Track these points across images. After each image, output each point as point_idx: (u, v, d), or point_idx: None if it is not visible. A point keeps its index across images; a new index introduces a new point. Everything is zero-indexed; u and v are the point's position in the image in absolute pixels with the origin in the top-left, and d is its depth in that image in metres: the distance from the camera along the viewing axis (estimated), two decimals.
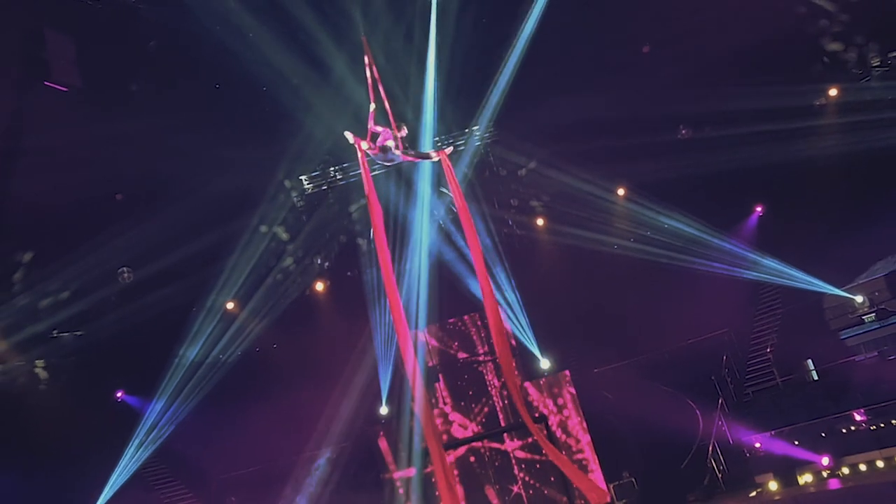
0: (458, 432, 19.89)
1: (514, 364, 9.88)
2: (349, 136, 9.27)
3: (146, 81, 16.50)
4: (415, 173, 20.40)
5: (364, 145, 9.27)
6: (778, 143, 19.18)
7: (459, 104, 19.40)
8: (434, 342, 20.77)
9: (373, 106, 9.51)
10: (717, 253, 20.72)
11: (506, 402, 19.87)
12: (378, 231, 9.71)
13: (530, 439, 19.09)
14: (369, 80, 9.77)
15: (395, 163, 9.74)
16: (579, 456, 19.43)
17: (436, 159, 9.96)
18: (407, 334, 9.79)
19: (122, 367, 20.83)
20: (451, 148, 9.98)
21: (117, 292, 19.54)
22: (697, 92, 18.47)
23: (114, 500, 18.81)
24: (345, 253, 22.84)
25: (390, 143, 9.20)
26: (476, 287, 19.94)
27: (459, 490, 19.36)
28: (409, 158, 9.81)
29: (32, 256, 18.36)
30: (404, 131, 9.48)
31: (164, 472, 21.32)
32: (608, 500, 9.52)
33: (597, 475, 19.24)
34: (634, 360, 20.46)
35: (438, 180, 20.94)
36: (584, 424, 19.64)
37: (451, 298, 19.84)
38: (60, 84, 14.81)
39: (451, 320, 20.67)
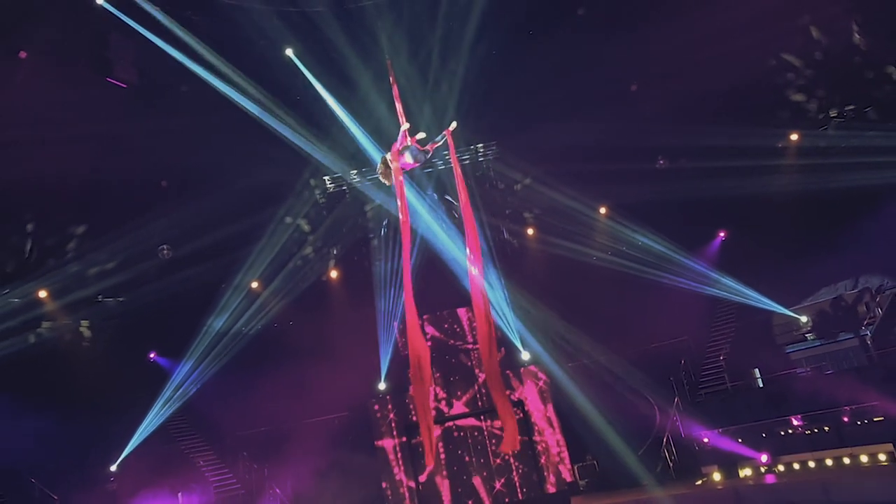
0: (444, 409, 19.91)
1: (494, 347, 9.49)
2: (395, 166, 8.85)
3: (196, 83, 16.51)
4: (424, 180, 20.41)
5: (396, 165, 8.89)
6: (743, 177, 19.09)
7: (468, 124, 19.40)
8: (431, 330, 20.79)
9: (406, 125, 8.97)
10: (683, 270, 20.67)
11: (484, 389, 19.88)
12: (407, 250, 9.14)
13: (497, 421, 19.13)
14: (398, 104, 9.38)
15: (416, 163, 9.26)
16: (550, 438, 19.47)
17: (441, 141, 9.28)
18: (417, 326, 9.59)
19: (156, 331, 20.92)
20: (454, 124, 9.36)
21: (156, 266, 19.58)
22: (675, 128, 18.39)
23: (141, 446, 18.81)
24: (357, 246, 22.85)
25: (408, 143, 8.93)
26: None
27: (442, 457, 19.44)
28: (425, 148, 9.16)
29: (85, 229, 18.40)
30: (421, 135, 9.15)
31: (186, 426, 21.31)
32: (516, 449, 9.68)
33: (563, 455, 19.31)
34: (603, 359, 20.40)
35: (444, 189, 20.99)
36: (555, 411, 19.69)
37: (446, 293, 19.79)
38: (120, 81, 14.85)
39: (444, 312, 20.69)
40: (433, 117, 17.86)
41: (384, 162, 9.06)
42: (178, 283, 19.32)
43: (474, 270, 9.30)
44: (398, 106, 9.34)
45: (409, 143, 9.01)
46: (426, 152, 9.11)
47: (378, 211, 22.00)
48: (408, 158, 9.02)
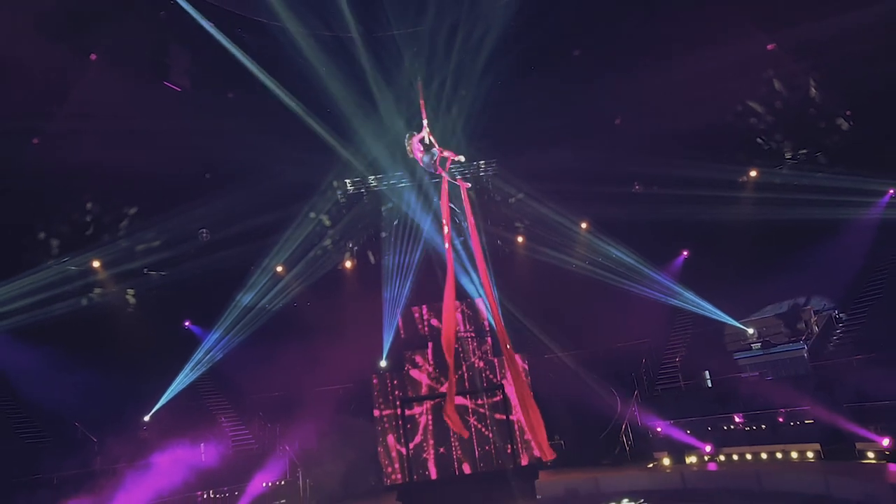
0: (436, 387, 19.94)
1: (508, 341, 9.50)
2: (408, 148, 8.71)
3: (241, 91, 16.56)
4: (431, 189, 20.46)
5: (409, 148, 8.73)
6: (707, 205, 19.13)
7: (474, 144, 19.46)
8: (429, 318, 20.85)
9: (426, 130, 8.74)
10: (649, 281, 20.69)
11: (470, 373, 19.94)
12: (449, 246, 8.90)
13: (479, 399, 19.48)
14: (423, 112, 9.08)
15: (422, 164, 8.89)
16: (524, 417, 19.49)
17: (445, 169, 8.74)
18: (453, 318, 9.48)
19: (191, 302, 21.00)
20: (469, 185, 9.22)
21: (196, 247, 19.63)
22: (651, 158, 18.44)
23: (171, 401, 18.84)
24: (371, 242, 22.89)
25: (433, 149, 8.64)
26: (465, 281, 20.09)
27: (430, 428, 19.46)
28: (436, 159, 8.70)
29: (136, 211, 18.47)
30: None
31: (211, 386, 21.34)
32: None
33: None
34: (575, 353, 20.44)
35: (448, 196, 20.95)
36: (531, 395, 19.69)
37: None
38: (175, 85, 14.88)
39: (441, 303, 20.69)
40: (443, 136, 17.94)
41: (408, 139, 8.86)
42: (214, 262, 19.40)
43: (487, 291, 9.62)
44: (423, 115, 9.02)
45: (434, 150, 8.66)
46: (433, 166, 8.75)
47: (391, 212, 22.06)
48: (423, 157, 8.72)
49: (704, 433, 16.40)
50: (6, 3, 12.65)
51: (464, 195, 8.89)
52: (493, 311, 9.50)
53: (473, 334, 20.62)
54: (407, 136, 8.92)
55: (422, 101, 9.40)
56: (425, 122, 8.84)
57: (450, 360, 8.68)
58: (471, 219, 9.10)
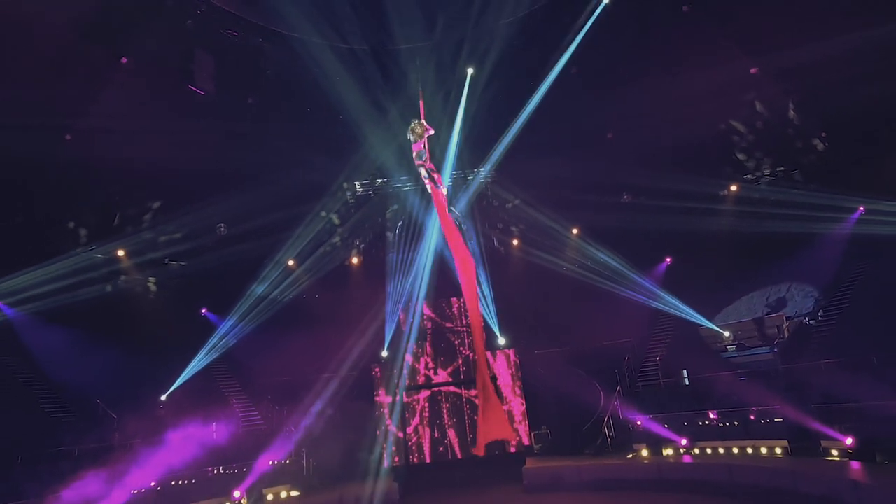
0: (433, 377, 19.97)
1: (482, 334, 9.48)
2: (411, 137, 8.98)
3: (260, 97, 16.56)
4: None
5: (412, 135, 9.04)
6: (690, 216, 19.14)
7: (475, 152, 19.47)
8: (429, 313, 20.86)
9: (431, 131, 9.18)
10: (634, 285, 20.68)
11: (465, 366, 19.93)
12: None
13: (473, 390, 19.30)
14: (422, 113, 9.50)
15: (416, 157, 9.24)
16: (515, 408, 19.51)
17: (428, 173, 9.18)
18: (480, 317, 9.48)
19: (208, 291, 20.98)
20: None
21: (214, 240, 19.63)
22: (639, 171, 18.44)
23: (187, 383, 18.88)
24: (376, 240, 22.88)
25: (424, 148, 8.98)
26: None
27: (426, 414, 19.46)
28: (425, 159, 9.18)
29: (159, 205, 18.47)
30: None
31: (224, 370, 21.32)
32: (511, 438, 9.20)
33: (524, 423, 19.36)
34: (563, 349, 20.43)
35: (449, 201, 20.95)
36: (521, 387, 19.73)
37: (445, 284, 19.83)
38: (199, 89, 14.87)
39: (441, 301, 20.75)
40: (445, 144, 17.98)
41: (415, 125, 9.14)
42: (230, 254, 19.37)
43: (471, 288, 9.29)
44: (422, 115, 9.51)
45: (425, 151, 9.05)
46: (423, 166, 9.15)
47: (395, 213, 22.05)
48: (419, 147, 9.11)
49: (681, 428, 16.40)
50: (52, 7, 12.65)
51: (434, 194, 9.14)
52: (470, 309, 9.39)
53: (468, 329, 20.63)
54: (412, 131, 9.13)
55: (422, 109, 9.57)
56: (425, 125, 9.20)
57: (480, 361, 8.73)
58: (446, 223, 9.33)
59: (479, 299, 10.00)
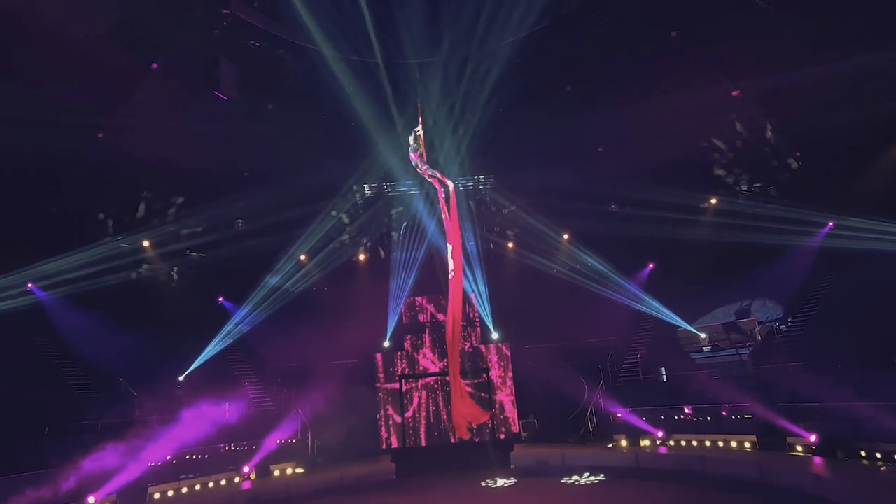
0: (430, 367, 19.99)
1: (460, 326, 9.42)
2: (413, 145, 9.01)
3: (279, 103, 16.58)
4: (435, 195, 20.46)
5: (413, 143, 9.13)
6: (672, 226, 19.18)
7: (476, 161, 19.49)
8: (428, 307, 20.87)
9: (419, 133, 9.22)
10: (619, 288, 20.73)
11: (460, 357, 19.88)
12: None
13: (466, 381, 19.20)
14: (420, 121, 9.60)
15: (416, 160, 9.29)
16: (506, 398, 19.55)
17: (444, 182, 9.11)
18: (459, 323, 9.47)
19: (225, 281, 20.98)
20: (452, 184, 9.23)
21: (232, 234, 19.66)
22: (627, 183, 18.50)
23: (203, 365, 18.92)
24: (382, 239, 22.92)
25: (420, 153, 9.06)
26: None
27: (423, 402, 19.47)
28: (424, 169, 9.20)
29: (183, 200, 18.50)
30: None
31: (238, 355, 21.35)
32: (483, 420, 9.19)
33: (513, 412, 19.39)
34: (552, 345, 20.47)
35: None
36: (512, 378, 19.76)
37: (444, 281, 19.84)
38: (224, 94, 14.89)
39: (440, 296, 20.76)
40: (449, 150, 17.99)
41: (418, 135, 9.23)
42: (247, 248, 19.42)
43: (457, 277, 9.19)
44: (420, 124, 9.53)
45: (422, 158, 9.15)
46: (420, 167, 9.20)
47: (400, 214, 22.09)
48: (415, 158, 9.19)
49: (658, 421, 16.45)
50: (89, 14, 12.69)
51: (452, 195, 9.04)
52: (452, 300, 9.26)
53: (464, 323, 20.66)
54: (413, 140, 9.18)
55: (420, 119, 9.63)
56: (421, 132, 9.30)
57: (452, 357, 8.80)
58: (454, 217, 9.18)
59: (463, 301, 9.86)
